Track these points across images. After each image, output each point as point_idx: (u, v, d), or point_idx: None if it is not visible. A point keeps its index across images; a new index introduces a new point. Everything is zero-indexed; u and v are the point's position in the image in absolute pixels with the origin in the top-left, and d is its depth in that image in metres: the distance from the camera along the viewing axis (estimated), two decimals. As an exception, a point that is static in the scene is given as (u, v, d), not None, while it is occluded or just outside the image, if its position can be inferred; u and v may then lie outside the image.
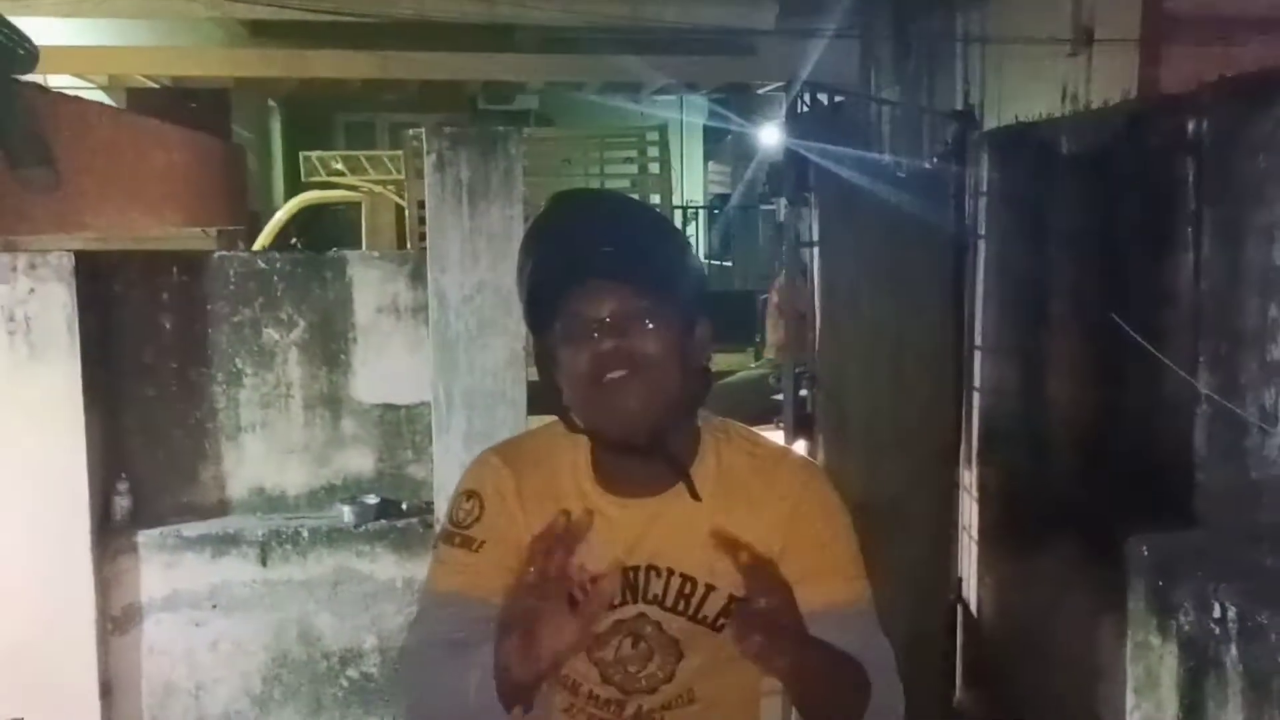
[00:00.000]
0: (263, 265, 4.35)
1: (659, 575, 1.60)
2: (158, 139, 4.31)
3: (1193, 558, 3.17)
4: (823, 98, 3.63)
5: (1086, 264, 3.98)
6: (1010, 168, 4.38)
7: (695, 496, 1.59)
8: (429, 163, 4.22)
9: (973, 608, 4.53)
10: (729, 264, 15.32)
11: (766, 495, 1.62)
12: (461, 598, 1.60)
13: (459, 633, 1.56)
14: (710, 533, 1.54)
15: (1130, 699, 3.30)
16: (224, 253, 4.56)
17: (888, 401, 4.18)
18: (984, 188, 4.44)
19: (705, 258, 15.77)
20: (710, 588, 1.60)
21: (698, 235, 15.21)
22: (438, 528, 3.22)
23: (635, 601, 1.61)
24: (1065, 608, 3.81)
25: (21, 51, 2.00)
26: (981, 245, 4.46)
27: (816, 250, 3.60)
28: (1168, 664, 3.15)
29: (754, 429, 1.74)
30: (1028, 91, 11.33)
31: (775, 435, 3.61)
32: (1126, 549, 3.32)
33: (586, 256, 1.54)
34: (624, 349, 1.52)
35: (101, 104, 3.83)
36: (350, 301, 4.37)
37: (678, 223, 14.24)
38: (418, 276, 4.32)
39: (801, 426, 3.69)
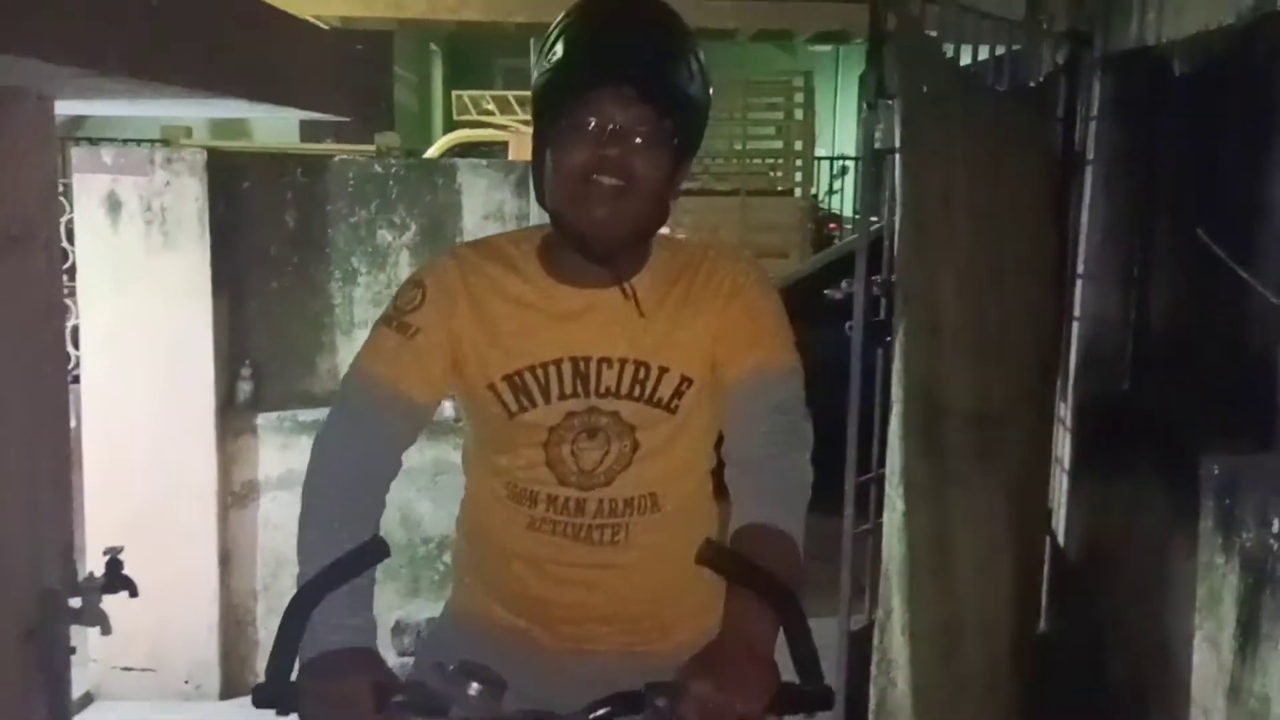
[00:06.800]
0: (379, 170, 4.58)
1: (610, 366, 1.68)
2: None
3: (1262, 476, 3.09)
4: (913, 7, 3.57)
5: (1191, 188, 3.87)
6: (1124, 91, 4.26)
7: (627, 297, 1.66)
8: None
9: (1060, 539, 4.48)
10: (877, 221, 15.05)
11: (706, 285, 1.70)
12: (384, 383, 1.68)
13: (375, 415, 1.67)
14: (659, 320, 1.66)
15: (1196, 618, 3.25)
16: (344, 156, 4.81)
17: (990, 315, 3.98)
18: (1094, 111, 4.33)
19: (856, 212, 15.56)
20: (664, 370, 1.68)
21: (851, 187, 14.98)
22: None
23: (588, 395, 1.69)
24: (1144, 532, 3.76)
25: None
26: (1089, 170, 4.36)
27: (898, 156, 3.56)
28: (1230, 582, 3.09)
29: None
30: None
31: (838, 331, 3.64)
32: (1200, 469, 3.26)
33: (622, 60, 1.56)
34: (624, 160, 1.57)
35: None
36: (459, 207, 4.57)
37: (823, 174, 14.11)
38: (522, 185, 4.49)
39: (875, 330, 3.68)
